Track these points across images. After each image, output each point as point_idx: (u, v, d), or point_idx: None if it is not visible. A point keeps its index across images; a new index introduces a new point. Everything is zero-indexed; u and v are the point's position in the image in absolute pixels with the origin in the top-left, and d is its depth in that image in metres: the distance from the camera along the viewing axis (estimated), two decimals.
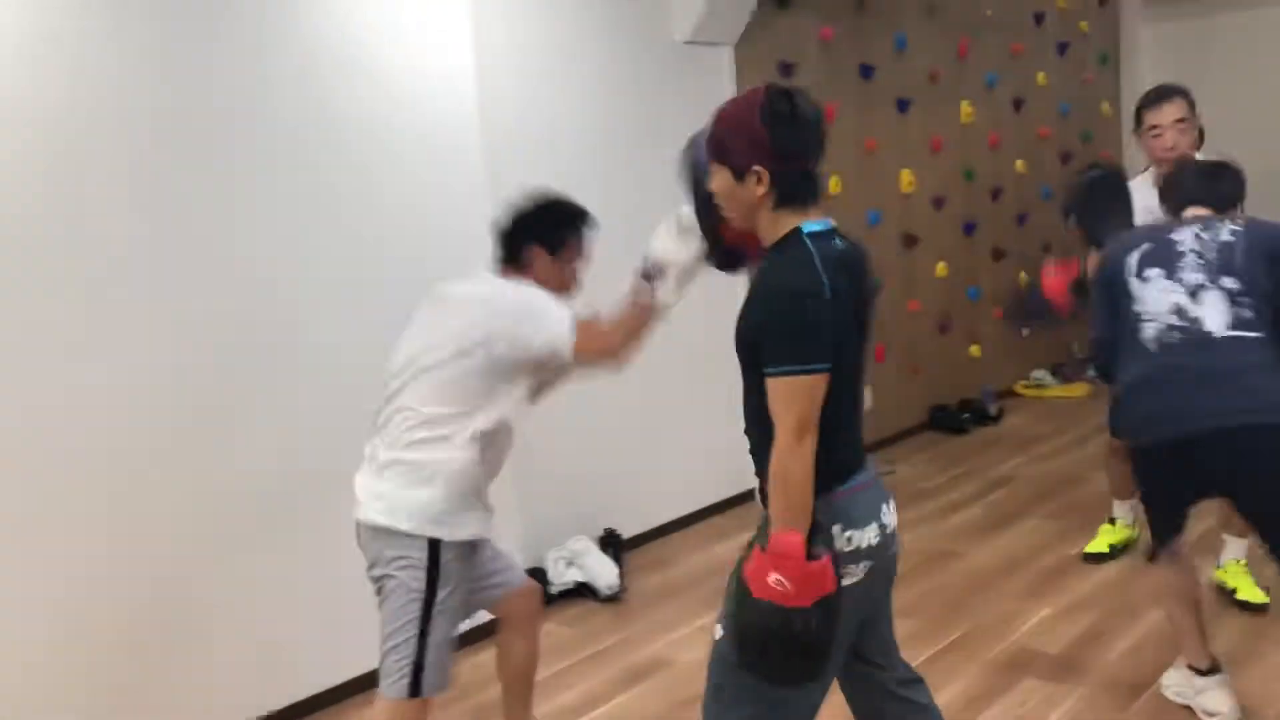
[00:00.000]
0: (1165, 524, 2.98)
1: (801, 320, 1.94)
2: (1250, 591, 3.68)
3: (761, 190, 2.03)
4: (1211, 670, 3.00)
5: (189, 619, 3.14)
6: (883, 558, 2.10)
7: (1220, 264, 2.75)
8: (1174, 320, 2.75)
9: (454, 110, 3.78)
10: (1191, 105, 3.63)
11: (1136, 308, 2.82)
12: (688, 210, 2.37)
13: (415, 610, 2.47)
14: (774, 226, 2.06)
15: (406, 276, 3.62)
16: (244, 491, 3.23)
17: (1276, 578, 3.63)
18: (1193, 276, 2.76)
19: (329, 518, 2.93)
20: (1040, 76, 7.30)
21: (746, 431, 2.10)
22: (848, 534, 2.03)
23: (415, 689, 2.47)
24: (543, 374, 2.64)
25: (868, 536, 2.05)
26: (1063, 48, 7.52)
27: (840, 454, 2.06)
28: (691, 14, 4.80)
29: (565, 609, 4.16)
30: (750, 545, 2.05)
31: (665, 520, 4.94)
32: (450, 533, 2.50)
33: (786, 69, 5.35)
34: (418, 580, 2.46)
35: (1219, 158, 3.15)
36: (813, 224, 2.04)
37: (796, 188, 2.04)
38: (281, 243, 3.34)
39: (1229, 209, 2.97)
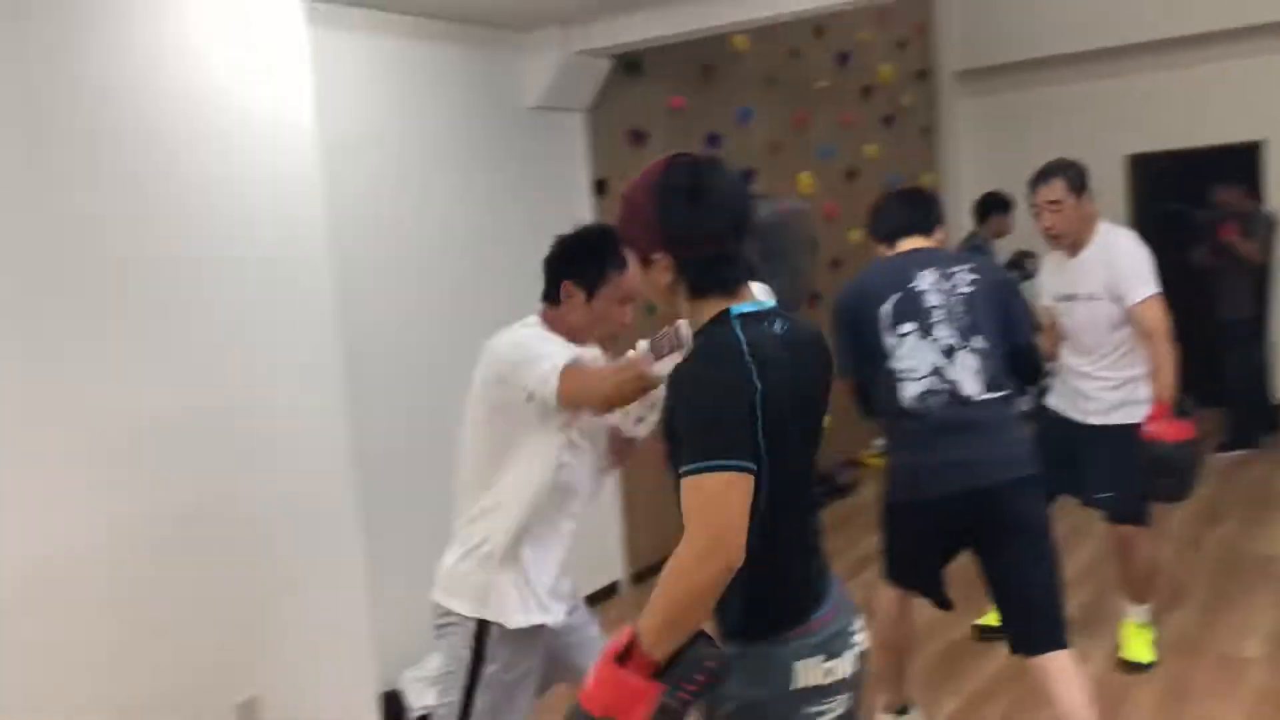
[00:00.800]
0: (909, 576, 3.05)
1: (718, 415, 1.61)
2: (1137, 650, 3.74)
3: (667, 278, 1.72)
4: (900, 710, 3.25)
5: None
6: (858, 685, 1.84)
7: (969, 324, 2.78)
8: (934, 383, 2.76)
9: (296, 177, 3.33)
10: (1071, 185, 3.52)
11: (894, 364, 2.80)
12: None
13: (461, 678, 2.36)
14: (697, 313, 1.75)
15: (246, 341, 3.17)
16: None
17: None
18: (945, 335, 2.78)
19: None
20: (870, 148, 7.40)
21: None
22: (828, 665, 1.75)
23: None
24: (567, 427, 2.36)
25: (844, 665, 1.78)
26: (889, 120, 7.66)
27: (804, 573, 1.80)
28: (542, 80, 4.56)
29: None
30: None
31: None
32: (497, 615, 2.35)
33: (638, 136, 5.14)
34: (466, 649, 2.36)
35: (911, 186, 3.26)
36: (745, 305, 1.73)
37: (711, 273, 1.72)
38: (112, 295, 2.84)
39: (936, 231, 3.04)
